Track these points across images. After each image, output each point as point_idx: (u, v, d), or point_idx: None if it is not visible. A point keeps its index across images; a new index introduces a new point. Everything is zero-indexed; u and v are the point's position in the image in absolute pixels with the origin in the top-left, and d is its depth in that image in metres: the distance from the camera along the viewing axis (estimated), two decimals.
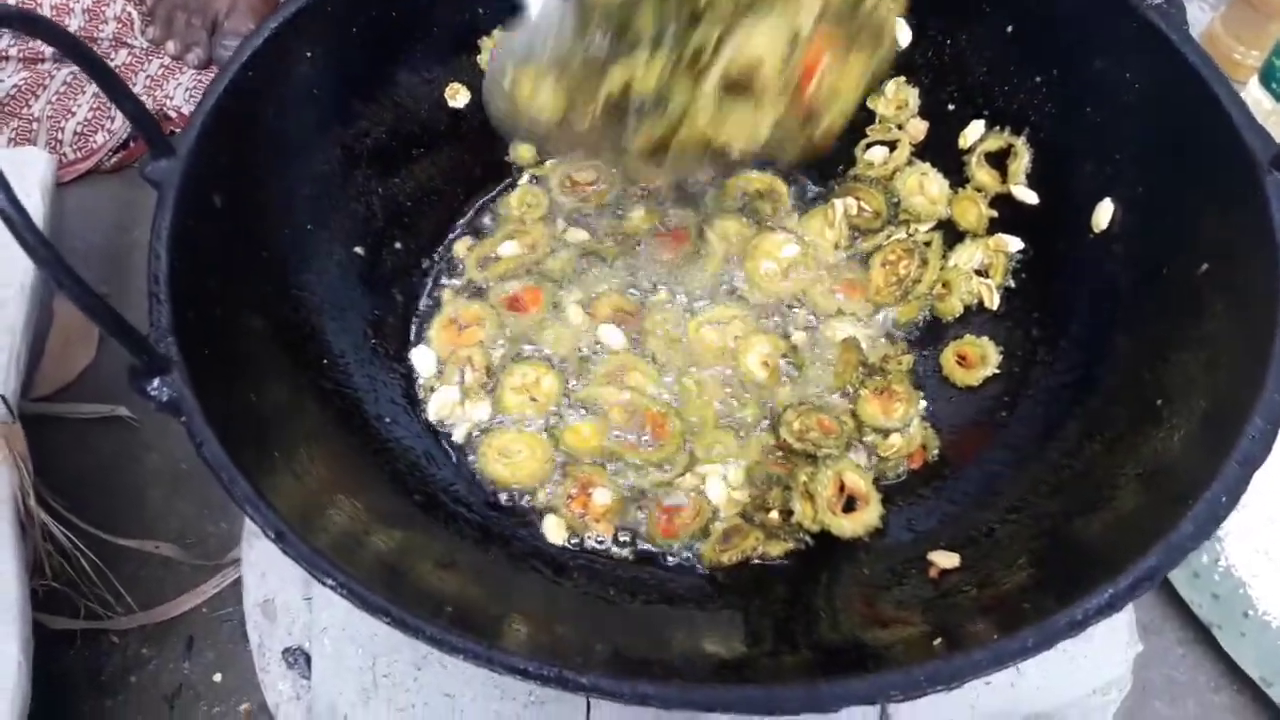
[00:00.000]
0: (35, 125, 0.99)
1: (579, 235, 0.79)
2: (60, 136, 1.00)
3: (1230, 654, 0.75)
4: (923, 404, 0.72)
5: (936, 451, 0.69)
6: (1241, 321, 0.53)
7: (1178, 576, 0.77)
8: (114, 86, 0.52)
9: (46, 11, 1.04)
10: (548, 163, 0.82)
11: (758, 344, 0.74)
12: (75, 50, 0.50)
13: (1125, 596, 0.44)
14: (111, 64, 1.04)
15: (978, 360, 0.71)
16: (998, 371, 0.70)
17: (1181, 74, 0.59)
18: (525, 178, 0.82)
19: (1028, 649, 0.43)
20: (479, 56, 0.77)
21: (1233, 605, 0.76)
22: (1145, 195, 0.63)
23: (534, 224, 0.80)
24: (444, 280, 0.78)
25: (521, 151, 0.82)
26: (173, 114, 1.02)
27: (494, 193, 0.82)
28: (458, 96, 0.77)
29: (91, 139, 1.01)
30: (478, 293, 0.77)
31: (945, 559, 0.58)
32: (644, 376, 0.72)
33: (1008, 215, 0.74)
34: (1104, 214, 0.66)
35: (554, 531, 0.66)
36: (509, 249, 0.78)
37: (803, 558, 0.64)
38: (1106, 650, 0.64)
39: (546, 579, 0.61)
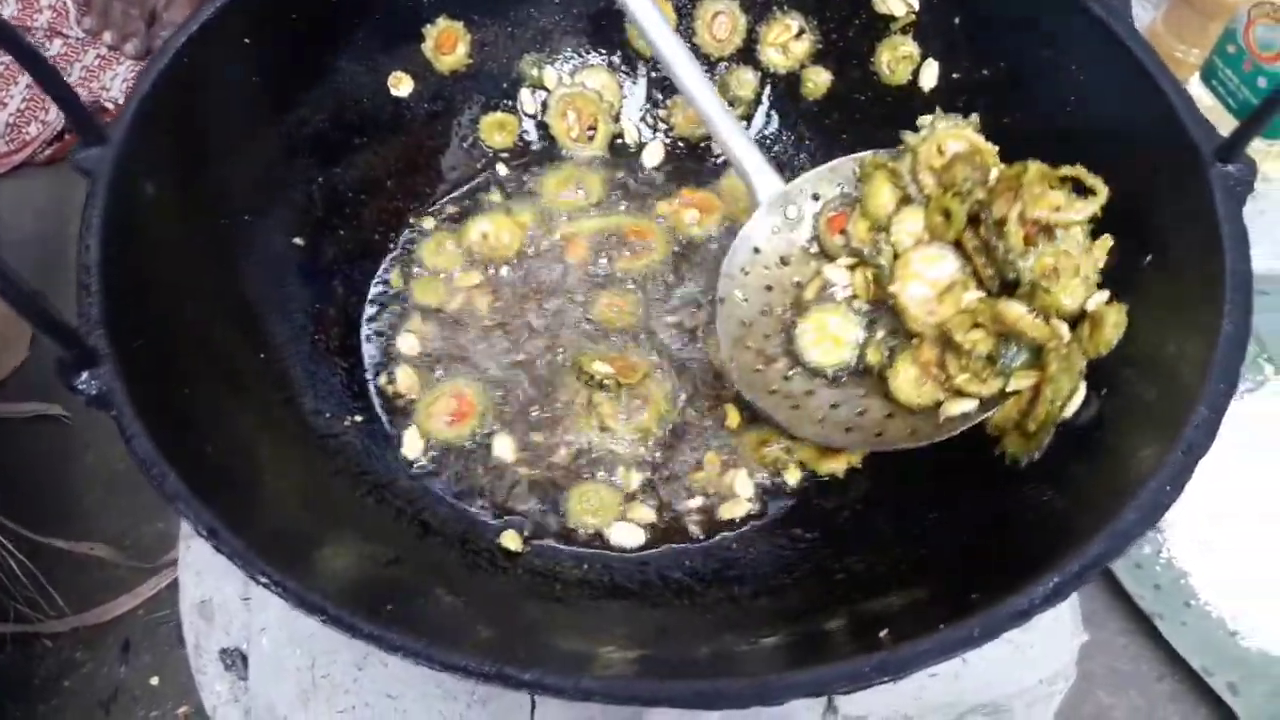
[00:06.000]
0: None
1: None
2: None
3: (1172, 644, 0.76)
4: None
5: None
6: (1186, 310, 0.53)
7: (1121, 568, 0.78)
8: (43, 73, 0.50)
9: None
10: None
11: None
12: (3, 35, 0.48)
13: (1070, 584, 0.44)
14: (46, 54, 1.01)
15: None
16: None
17: (1127, 67, 0.59)
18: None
19: (974, 639, 0.43)
20: (423, 45, 0.76)
21: (1174, 596, 0.77)
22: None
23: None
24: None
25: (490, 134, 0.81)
26: (110, 105, 1.00)
27: (443, 189, 0.80)
28: (401, 85, 0.76)
29: (25, 130, 0.99)
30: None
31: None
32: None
33: None
34: None
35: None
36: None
37: (754, 549, 0.64)
38: (1052, 641, 0.64)
39: (493, 574, 0.61)
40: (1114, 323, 0.57)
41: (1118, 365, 0.56)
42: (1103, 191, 0.59)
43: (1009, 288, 0.60)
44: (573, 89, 0.81)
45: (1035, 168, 0.60)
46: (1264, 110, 0.51)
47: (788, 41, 0.78)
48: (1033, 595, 0.44)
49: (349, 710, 0.62)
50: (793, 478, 0.67)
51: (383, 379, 0.71)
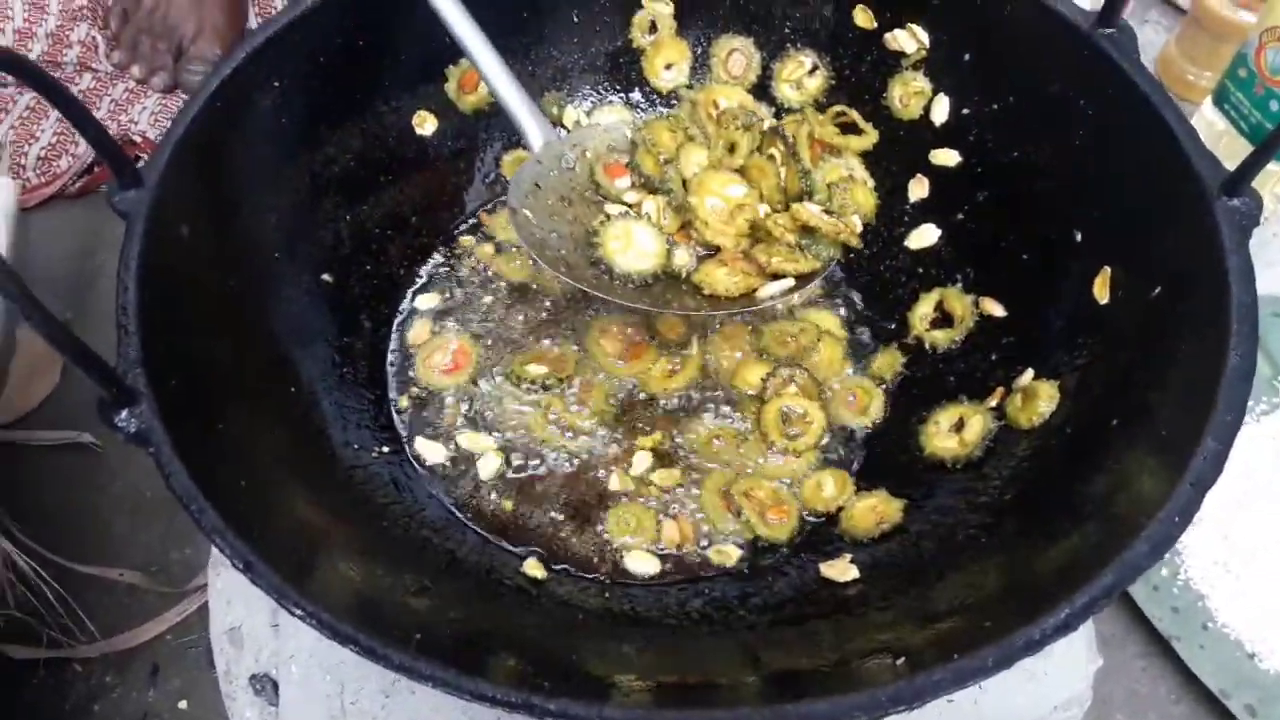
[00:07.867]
0: None
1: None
2: (24, 161, 0.99)
3: (1190, 666, 0.75)
4: None
5: None
6: (1193, 343, 0.54)
7: (1138, 591, 0.78)
8: (79, 116, 0.52)
9: (9, 36, 1.04)
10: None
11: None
12: (39, 81, 0.49)
13: (1081, 615, 0.45)
14: (75, 88, 1.03)
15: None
16: None
17: (1133, 102, 0.60)
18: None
19: (987, 668, 0.44)
20: (446, 85, 0.78)
21: (1192, 618, 0.77)
22: (1101, 220, 0.64)
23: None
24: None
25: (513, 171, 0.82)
26: (138, 139, 1.01)
27: (466, 217, 0.82)
28: (425, 124, 0.78)
29: (55, 164, 1.00)
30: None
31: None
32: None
33: (964, 244, 0.75)
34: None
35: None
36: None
37: (773, 580, 0.65)
38: (1067, 666, 0.65)
39: (518, 601, 0.62)
40: (1047, 396, 0.63)
41: (1129, 399, 0.57)
42: (872, 133, 0.75)
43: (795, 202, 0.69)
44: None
45: (813, 111, 0.76)
46: (1267, 147, 0.51)
47: (801, 78, 0.79)
48: (1045, 625, 0.45)
49: None
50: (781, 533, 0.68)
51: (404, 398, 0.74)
